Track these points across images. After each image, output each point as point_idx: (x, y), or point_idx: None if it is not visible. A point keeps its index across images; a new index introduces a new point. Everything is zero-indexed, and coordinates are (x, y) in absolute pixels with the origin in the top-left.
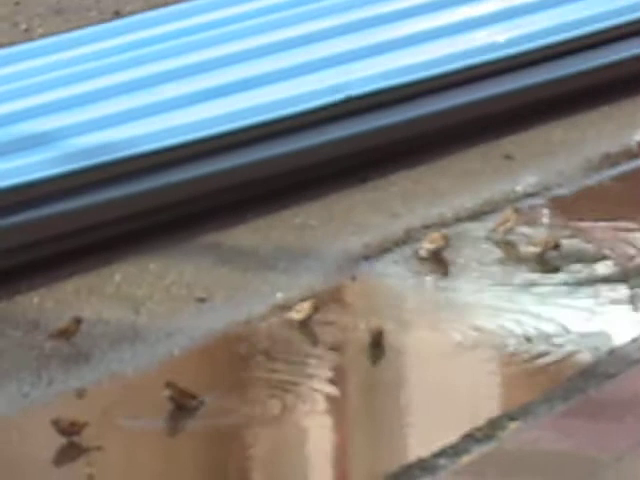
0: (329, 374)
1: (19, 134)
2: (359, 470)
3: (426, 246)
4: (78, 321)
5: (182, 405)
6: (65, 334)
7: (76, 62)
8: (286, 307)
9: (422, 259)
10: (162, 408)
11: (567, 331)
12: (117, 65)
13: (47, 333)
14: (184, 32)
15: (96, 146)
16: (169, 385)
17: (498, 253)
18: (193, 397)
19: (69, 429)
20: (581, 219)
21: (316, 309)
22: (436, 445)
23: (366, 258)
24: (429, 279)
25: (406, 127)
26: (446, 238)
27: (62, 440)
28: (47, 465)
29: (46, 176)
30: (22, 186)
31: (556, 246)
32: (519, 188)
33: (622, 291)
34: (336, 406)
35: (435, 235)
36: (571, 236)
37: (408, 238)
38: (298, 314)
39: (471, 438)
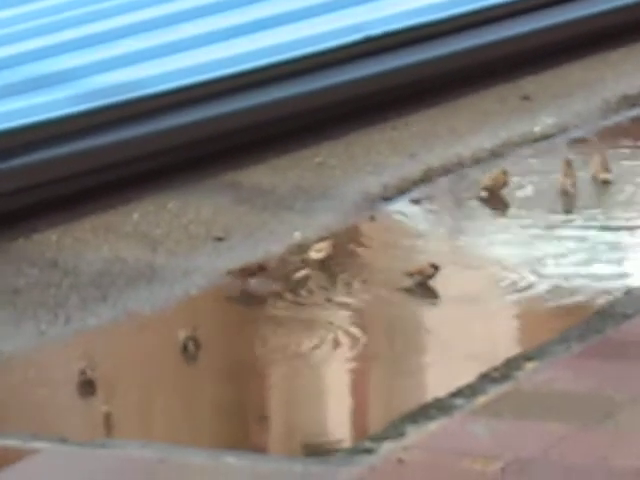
0: (348, 314)
1: (36, 73)
2: (377, 408)
3: (486, 183)
4: (435, 267)
5: (199, 344)
6: (422, 275)
7: (92, 1)
8: (304, 247)
9: (482, 199)
10: (178, 347)
11: (584, 272)
12: (133, 4)
13: (405, 272)
14: None
15: (114, 85)
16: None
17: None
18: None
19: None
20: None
21: (335, 249)
22: (453, 385)
23: (385, 198)
24: (447, 220)
25: (425, 67)
26: (506, 175)
27: (79, 378)
28: (63, 404)
29: (64, 115)
30: (40, 125)
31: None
32: (537, 129)
33: (639, 232)
34: (355, 345)
35: (496, 173)
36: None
37: (426, 178)
38: (317, 253)
39: (487, 378)
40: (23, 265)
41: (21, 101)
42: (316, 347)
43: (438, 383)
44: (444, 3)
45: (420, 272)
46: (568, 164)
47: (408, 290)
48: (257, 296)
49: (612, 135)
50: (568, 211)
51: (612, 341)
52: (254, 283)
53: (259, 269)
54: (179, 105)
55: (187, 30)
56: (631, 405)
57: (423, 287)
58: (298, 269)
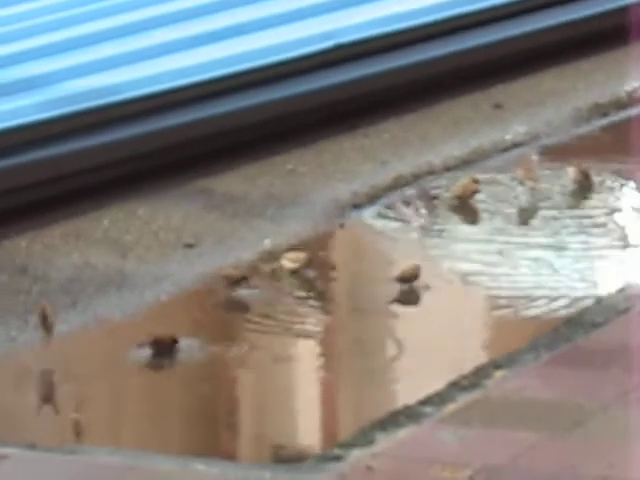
0: (318, 321)
1: (8, 78)
2: (346, 416)
3: (456, 191)
4: (417, 267)
5: (166, 350)
6: (408, 279)
7: (65, 6)
8: (274, 254)
9: (452, 207)
10: (147, 353)
11: (554, 280)
12: (106, 10)
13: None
14: None
15: (85, 91)
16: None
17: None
18: (175, 341)
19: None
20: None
21: (310, 259)
22: (422, 393)
23: (355, 206)
24: (417, 229)
25: (396, 75)
26: (477, 183)
27: (49, 384)
28: (32, 409)
29: (35, 121)
30: (11, 130)
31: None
32: (508, 137)
33: (610, 241)
34: (324, 352)
35: (466, 181)
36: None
37: (397, 186)
38: (292, 263)
39: (457, 386)
40: None
41: None
42: (286, 355)
43: (408, 391)
44: (416, 11)
45: (408, 276)
46: (528, 167)
47: (377, 296)
48: (232, 304)
49: (583, 144)
50: (536, 219)
51: (581, 350)
52: (231, 291)
53: (242, 279)
54: (149, 111)
55: (158, 37)
56: (600, 413)
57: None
58: (274, 278)
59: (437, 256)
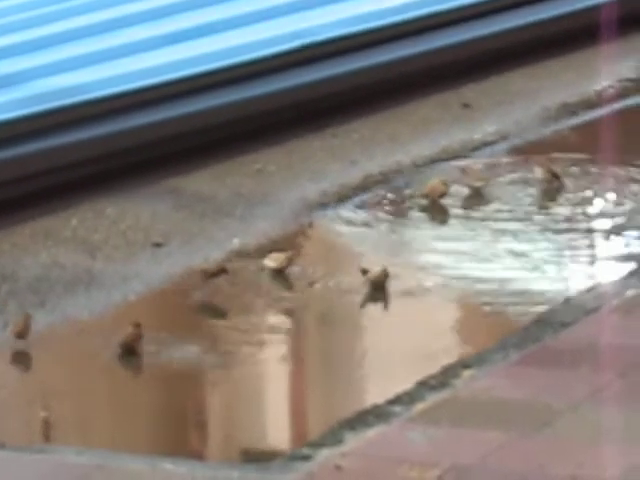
0: (287, 321)
1: None
2: (315, 415)
3: (425, 191)
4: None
5: (135, 349)
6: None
7: (33, 5)
8: (243, 253)
9: (421, 207)
10: (115, 351)
11: (523, 280)
12: (83, 7)
13: None
14: None
15: (56, 90)
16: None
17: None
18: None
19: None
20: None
21: (290, 260)
22: (391, 392)
23: (323, 205)
24: (385, 225)
25: (365, 74)
26: (445, 184)
27: (17, 383)
28: (3, 408)
29: (3, 119)
30: None
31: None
32: (477, 136)
33: (579, 241)
34: (293, 352)
35: (435, 182)
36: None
37: (366, 185)
38: (273, 262)
39: (425, 386)
40: None
41: None
42: (254, 354)
43: (376, 390)
44: (384, 11)
45: (374, 277)
46: (465, 172)
47: (348, 297)
48: (202, 303)
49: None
50: (505, 219)
51: (550, 349)
52: (207, 286)
53: (220, 271)
54: (118, 111)
55: (131, 35)
56: (569, 413)
57: (372, 291)
58: (243, 277)
59: (406, 256)
